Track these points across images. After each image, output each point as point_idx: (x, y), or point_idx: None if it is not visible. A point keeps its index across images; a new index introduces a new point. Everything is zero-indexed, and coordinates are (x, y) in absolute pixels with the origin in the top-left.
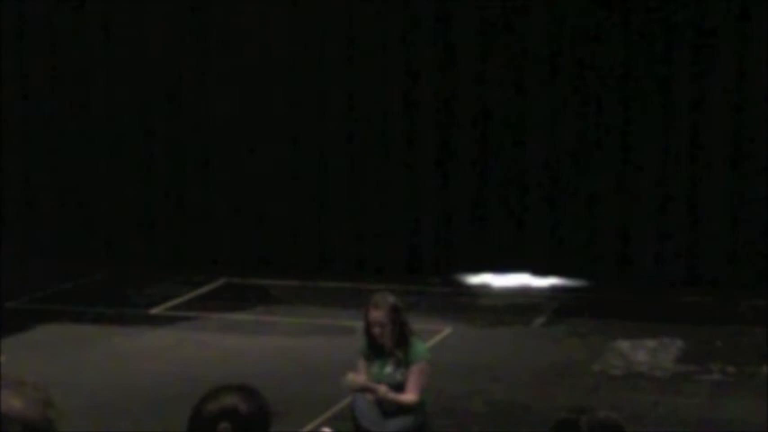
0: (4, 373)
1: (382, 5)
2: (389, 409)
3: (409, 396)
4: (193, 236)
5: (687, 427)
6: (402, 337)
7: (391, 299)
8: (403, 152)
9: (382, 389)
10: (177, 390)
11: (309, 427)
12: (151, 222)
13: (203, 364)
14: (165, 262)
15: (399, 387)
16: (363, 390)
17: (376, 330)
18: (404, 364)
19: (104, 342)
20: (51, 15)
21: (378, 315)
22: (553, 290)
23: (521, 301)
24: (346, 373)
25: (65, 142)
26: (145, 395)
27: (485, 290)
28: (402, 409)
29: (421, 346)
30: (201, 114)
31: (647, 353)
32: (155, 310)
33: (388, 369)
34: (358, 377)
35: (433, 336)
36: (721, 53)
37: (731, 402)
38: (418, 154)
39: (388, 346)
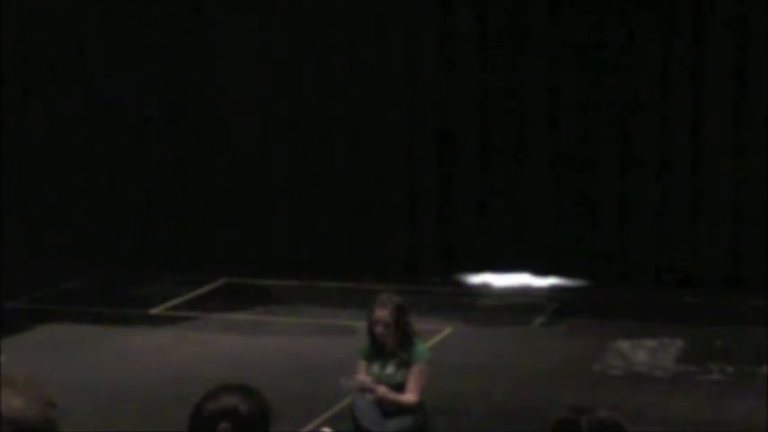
0: (4, 373)
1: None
2: (389, 409)
3: (409, 396)
4: (193, 236)
5: (687, 427)
6: (405, 338)
7: (396, 299)
8: (403, 152)
9: (382, 389)
10: (177, 390)
11: (309, 427)
12: (151, 222)
13: (203, 364)
14: (165, 262)
15: (400, 387)
16: (363, 390)
17: (379, 329)
18: (405, 364)
19: (104, 342)
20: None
21: (382, 314)
22: (553, 290)
23: (521, 301)
24: (340, 378)
25: (64, 142)
26: (145, 395)
27: (485, 290)
28: (402, 409)
29: (422, 347)
30: (201, 114)
31: (647, 353)
32: (155, 310)
33: (389, 369)
34: (353, 379)
35: (433, 336)
36: (721, 52)
37: (731, 402)
38: (418, 153)
39: (390, 346)
